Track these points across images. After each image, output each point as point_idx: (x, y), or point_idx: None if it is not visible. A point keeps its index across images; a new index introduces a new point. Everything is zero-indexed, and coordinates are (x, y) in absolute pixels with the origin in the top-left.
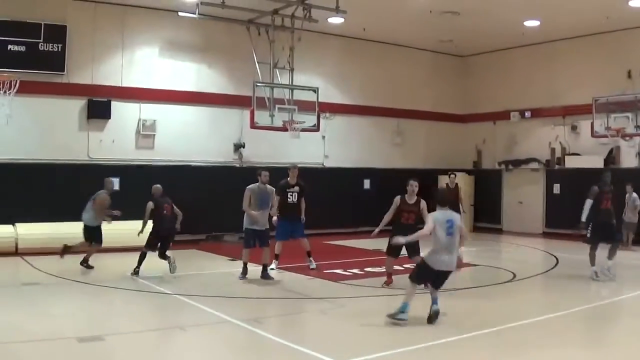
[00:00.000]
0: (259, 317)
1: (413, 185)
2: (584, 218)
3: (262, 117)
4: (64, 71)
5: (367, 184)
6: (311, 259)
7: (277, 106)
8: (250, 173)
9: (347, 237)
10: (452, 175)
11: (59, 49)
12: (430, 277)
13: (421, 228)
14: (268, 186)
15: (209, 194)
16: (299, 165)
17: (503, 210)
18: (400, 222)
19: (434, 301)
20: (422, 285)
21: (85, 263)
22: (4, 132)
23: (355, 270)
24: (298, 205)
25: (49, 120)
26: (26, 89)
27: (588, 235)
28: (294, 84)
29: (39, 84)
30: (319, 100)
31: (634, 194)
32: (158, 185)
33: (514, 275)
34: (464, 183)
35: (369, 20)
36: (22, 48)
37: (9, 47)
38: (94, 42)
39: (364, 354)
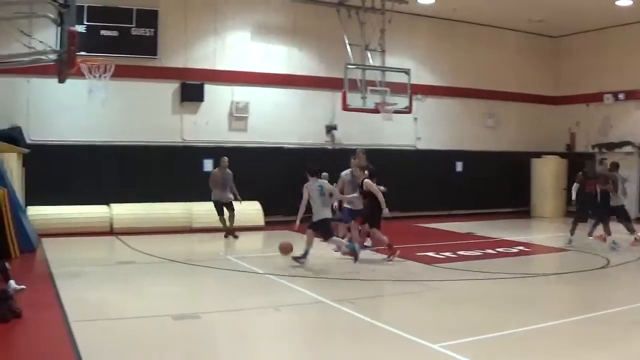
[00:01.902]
0: (352, 298)
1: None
2: (573, 197)
3: (354, 99)
4: (156, 55)
5: (459, 166)
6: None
7: (369, 88)
8: (342, 155)
9: (440, 219)
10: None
11: (152, 34)
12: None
13: None
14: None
15: (301, 175)
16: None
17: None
18: None
19: None
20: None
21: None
22: (100, 114)
23: (448, 253)
24: None
25: (143, 103)
26: (120, 72)
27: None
28: (385, 65)
29: (133, 68)
30: (411, 82)
31: None
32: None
33: (608, 262)
34: (558, 166)
35: (459, 0)
36: (115, 33)
37: (102, 32)
38: (186, 27)
39: (456, 338)
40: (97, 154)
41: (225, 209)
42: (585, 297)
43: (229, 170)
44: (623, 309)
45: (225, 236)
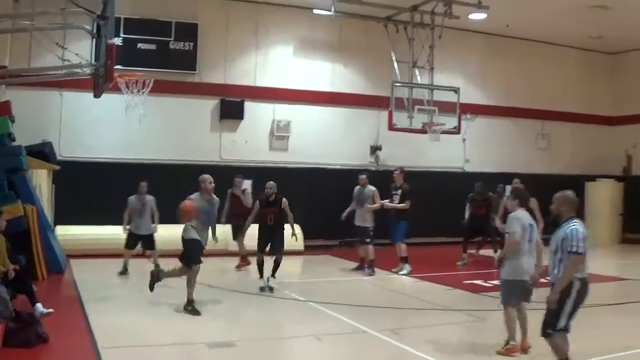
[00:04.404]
0: (396, 328)
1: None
2: (465, 217)
3: (400, 118)
4: (195, 70)
5: (508, 190)
6: (406, 264)
7: (416, 107)
8: (387, 176)
9: (489, 245)
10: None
11: (191, 48)
12: None
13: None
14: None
15: (344, 197)
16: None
17: None
18: None
19: None
20: None
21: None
22: (136, 131)
23: (496, 282)
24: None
25: (181, 120)
26: (157, 88)
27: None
28: (433, 83)
29: (170, 83)
30: (460, 101)
31: None
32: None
33: None
34: (614, 190)
35: (513, 16)
36: (153, 46)
37: (139, 45)
38: (226, 41)
39: None
40: (131, 172)
41: (140, 244)
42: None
43: (148, 196)
44: None
45: (121, 273)
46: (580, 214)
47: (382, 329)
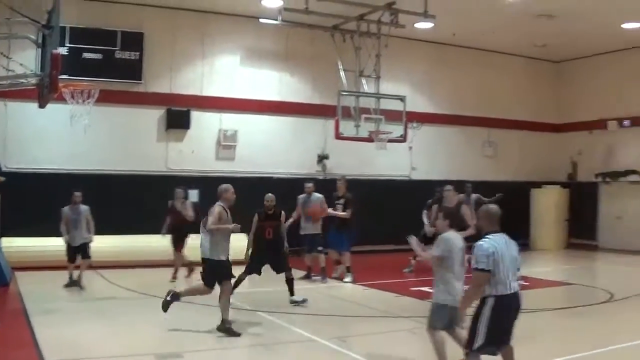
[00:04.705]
0: (344, 336)
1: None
2: (425, 223)
3: (347, 127)
4: (141, 80)
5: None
6: (349, 272)
7: (363, 116)
8: (334, 185)
9: None
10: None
11: (137, 57)
12: None
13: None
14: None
15: (292, 206)
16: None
17: (599, 226)
18: None
19: None
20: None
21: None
22: (81, 142)
23: None
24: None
25: (127, 130)
26: (103, 97)
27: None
28: (380, 92)
29: (116, 93)
30: (406, 109)
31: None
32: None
33: (611, 296)
34: (559, 196)
35: (459, 25)
36: (99, 56)
37: (84, 54)
38: (173, 50)
39: None
40: (77, 183)
41: (77, 256)
42: (589, 333)
43: (83, 206)
44: (625, 345)
45: (67, 285)
46: (526, 221)
47: (330, 337)
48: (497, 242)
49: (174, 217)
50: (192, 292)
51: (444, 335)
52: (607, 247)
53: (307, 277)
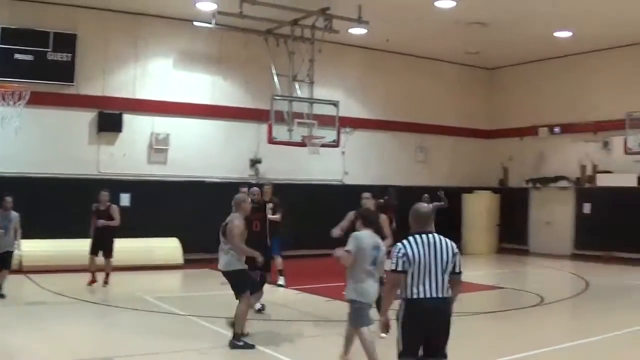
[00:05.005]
0: (276, 340)
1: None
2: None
3: (280, 131)
4: (73, 82)
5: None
6: (282, 276)
7: (296, 120)
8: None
9: None
10: None
11: (69, 59)
12: None
13: None
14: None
15: (224, 211)
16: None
17: (530, 231)
18: None
19: None
20: None
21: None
22: (11, 144)
23: None
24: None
25: (58, 132)
26: (34, 99)
27: None
28: (313, 97)
29: (48, 95)
30: (340, 114)
31: None
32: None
33: (542, 299)
34: (490, 201)
35: (393, 31)
36: (30, 57)
37: (16, 55)
38: (106, 52)
39: None
40: (7, 186)
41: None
42: (520, 336)
43: (13, 212)
44: (555, 348)
45: None
46: (458, 225)
47: (263, 342)
48: (415, 243)
49: (98, 221)
50: (243, 318)
51: (368, 331)
52: (537, 252)
53: None
